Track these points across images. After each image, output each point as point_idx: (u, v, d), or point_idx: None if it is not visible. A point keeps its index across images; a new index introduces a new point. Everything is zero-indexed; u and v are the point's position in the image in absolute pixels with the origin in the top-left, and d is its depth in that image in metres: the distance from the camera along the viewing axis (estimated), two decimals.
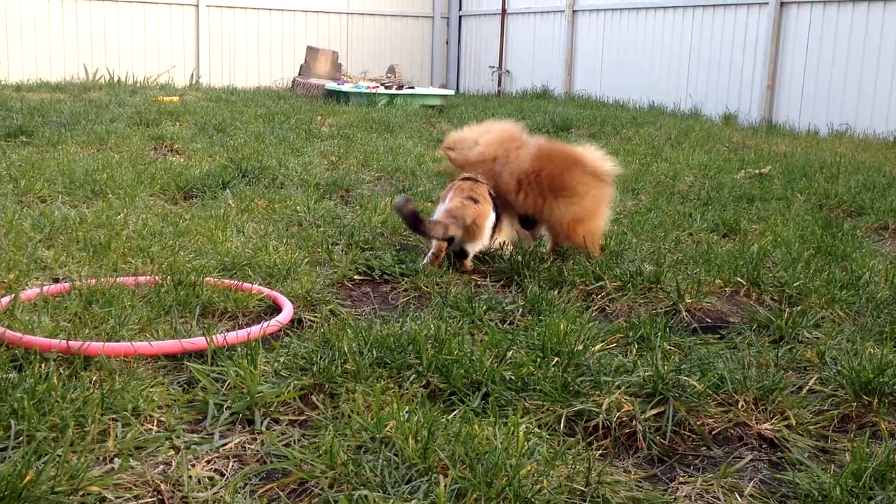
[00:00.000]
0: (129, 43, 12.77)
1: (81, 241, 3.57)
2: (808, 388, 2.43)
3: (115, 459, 1.90)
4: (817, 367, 2.58)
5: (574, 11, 12.75)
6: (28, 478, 1.70)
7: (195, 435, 2.06)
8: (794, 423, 2.23)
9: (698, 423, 2.21)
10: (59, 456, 1.81)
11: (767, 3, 9.76)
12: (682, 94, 11.02)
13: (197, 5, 13.11)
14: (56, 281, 3.12)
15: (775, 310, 3.06)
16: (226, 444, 2.02)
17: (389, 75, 12.62)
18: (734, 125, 9.76)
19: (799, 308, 3.07)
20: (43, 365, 2.26)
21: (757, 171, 6.18)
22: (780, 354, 2.64)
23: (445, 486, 1.79)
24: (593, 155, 3.75)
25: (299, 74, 12.60)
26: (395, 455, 1.92)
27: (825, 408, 2.32)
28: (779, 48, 9.75)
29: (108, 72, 12.49)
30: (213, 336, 2.49)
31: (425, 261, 3.50)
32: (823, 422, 2.26)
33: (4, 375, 2.16)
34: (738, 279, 3.41)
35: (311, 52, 12.57)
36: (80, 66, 12.39)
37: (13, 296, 2.74)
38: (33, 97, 9.44)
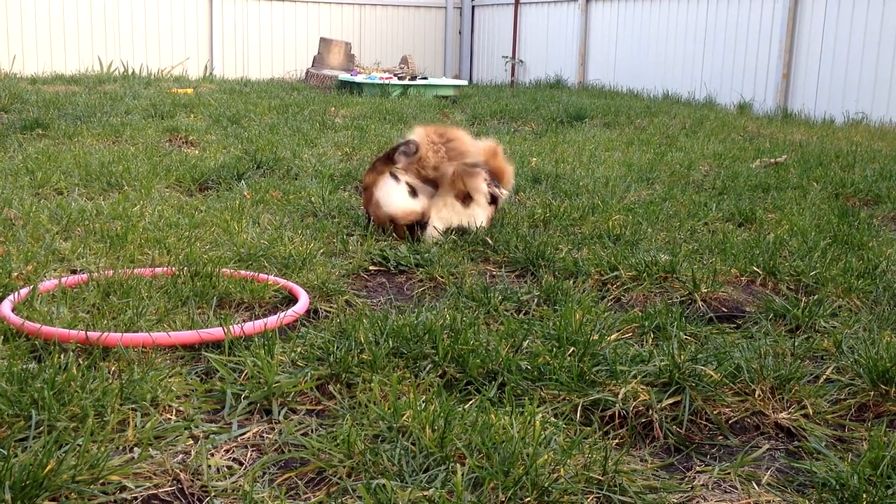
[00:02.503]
0: (143, 35, 12.81)
1: (98, 233, 3.60)
2: (824, 377, 2.42)
3: (135, 449, 1.92)
4: (834, 356, 2.57)
5: (588, 0, 12.70)
6: (49, 467, 1.72)
7: (213, 424, 2.07)
8: (810, 412, 2.22)
9: (715, 412, 2.21)
10: (80, 445, 1.82)
11: None
12: (696, 83, 10.96)
13: None
14: (74, 272, 3.14)
15: (792, 299, 3.05)
16: (244, 434, 2.04)
17: (402, 66, 12.61)
18: (749, 114, 9.70)
19: (815, 297, 3.06)
20: (62, 355, 2.28)
21: (772, 161, 6.15)
22: (796, 344, 2.64)
23: (463, 474, 1.79)
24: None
25: (312, 65, 12.61)
26: (413, 444, 1.93)
27: (842, 397, 2.32)
28: (794, 36, 9.67)
29: (123, 64, 12.55)
30: (230, 326, 2.51)
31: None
32: (840, 411, 2.25)
33: (24, 366, 2.18)
34: (754, 268, 3.40)
35: (325, 43, 12.57)
36: (94, 59, 12.45)
37: (32, 287, 2.76)
38: (48, 90, 9.48)
